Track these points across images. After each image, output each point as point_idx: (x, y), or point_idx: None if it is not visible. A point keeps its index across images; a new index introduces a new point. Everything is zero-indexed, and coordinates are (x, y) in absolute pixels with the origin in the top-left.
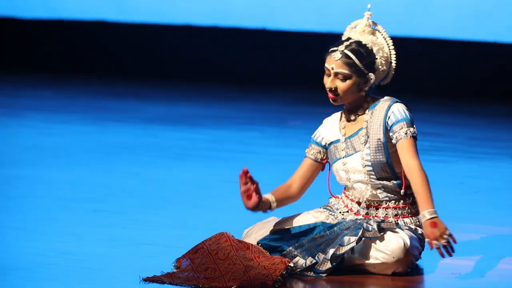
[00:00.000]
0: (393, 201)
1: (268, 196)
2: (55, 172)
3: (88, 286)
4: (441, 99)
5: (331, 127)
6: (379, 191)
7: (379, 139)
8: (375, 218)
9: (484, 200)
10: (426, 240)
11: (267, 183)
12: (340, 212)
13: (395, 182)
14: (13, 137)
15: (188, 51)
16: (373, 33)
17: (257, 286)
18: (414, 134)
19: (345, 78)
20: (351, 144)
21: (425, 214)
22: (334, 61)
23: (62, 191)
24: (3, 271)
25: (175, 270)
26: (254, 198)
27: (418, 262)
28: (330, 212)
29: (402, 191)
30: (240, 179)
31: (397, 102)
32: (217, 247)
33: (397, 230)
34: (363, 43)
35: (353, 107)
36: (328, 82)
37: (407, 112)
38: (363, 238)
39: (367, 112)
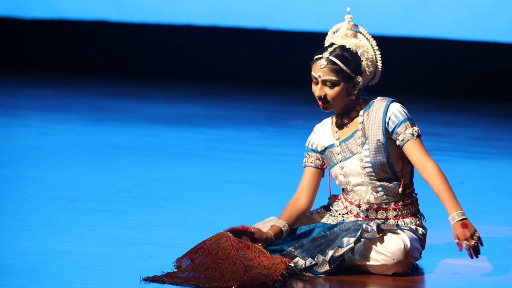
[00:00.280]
0: (392, 203)
1: (276, 224)
2: (55, 172)
3: (88, 286)
4: (441, 99)
5: (323, 133)
6: (379, 193)
7: (379, 140)
8: (375, 220)
9: (485, 200)
10: (456, 241)
11: (267, 183)
12: (339, 214)
13: (395, 182)
14: (13, 137)
15: (188, 51)
16: (355, 36)
17: (258, 286)
18: (419, 133)
19: (333, 84)
20: (346, 147)
21: (455, 216)
22: (320, 69)
23: (62, 191)
24: (3, 271)
25: (175, 270)
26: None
27: (418, 262)
28: (330, 214)
29: (400, 189)
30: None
31: (393, 101)
32: (217, 247)
33: (398, 231)
34: (347, 47)
35: (345, 111)
36: (317, 90)
37: (406, 111)
38: (362, 239)
39: (361, 113)
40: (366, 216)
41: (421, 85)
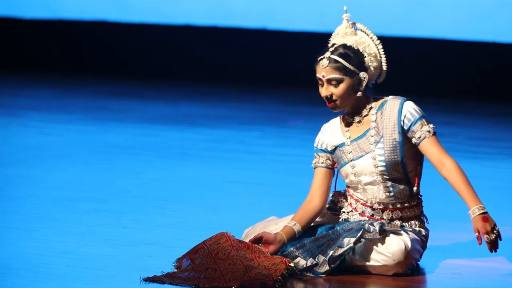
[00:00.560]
0: (399, 204)
1: (289, 226)
2: (55, 172)
3: (88, 286)
4: (441, 99)
5: (332, 132)
6: (390, 193)
7: (395, 139)
8: (381, 220)
9: (485, 200)
10: (476, 234)
11: (267, 183)
12: (344, 212)
13: (405, 183)
14: (13, 137)
15: (188, 51)
16: (355, 34)
17: (258, 286)
18: (435, 130)
19: (338, 82)
20: (358, 146)
21: (475, 209)
22: (323, 69)
23: (62, 191)
24: (3, 271)
25: (175, 270)
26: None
27: (419, 262)
28: (333, 212)
29: (415, 188)
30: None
31: (406, 100)
32: (217, 247)
33: (401, 232)
34: (348, 45)
35: (355, 109)
36: (323, 91)
37: (420, 109)
38: (362, 240)
39: (372, 112)
40: (371, 215)
41: (421, 85)
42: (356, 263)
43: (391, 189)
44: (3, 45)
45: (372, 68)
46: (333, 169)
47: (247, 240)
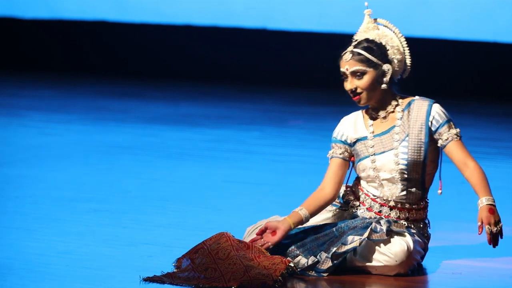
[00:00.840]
0: (408, 204)
1: (298, 212)
2: (55, 172)
3: (88, 286)
4: (441, 99)
5: (354, 125)
6: (403, 192)
7: (421, 139)
8: (388, 218)
9: None
10: (478, 223)
11: (267, 183)
12: (351, 206)
13: (419, 185)
14: (13, 137)
15: (188, 51)
16: (377, 28)
17: (257, 286)
18: (461, 134)
19: (361, 74)
20: (380, 141)
21: (483, 199)
22: (346, 62)
23: (62, 191)
24: (3, 271)
25: (175, 270)
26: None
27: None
28: (339, 207)
29: (440, 186)
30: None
31: (435, 102)
32: (217, 247)
33: (405, 233)
34: (370, 39)
35: (380, 104)
36: (347, 85)
37: (446, 112)
38: (368, 240)
39: (398, 109)
40: (379, 212)
41: (421, 85)
42: (357, 264)
43: (406, 188)
44: (3, 45)
45: (395, 61)
46: (348, 161)
47: (249, 238)
